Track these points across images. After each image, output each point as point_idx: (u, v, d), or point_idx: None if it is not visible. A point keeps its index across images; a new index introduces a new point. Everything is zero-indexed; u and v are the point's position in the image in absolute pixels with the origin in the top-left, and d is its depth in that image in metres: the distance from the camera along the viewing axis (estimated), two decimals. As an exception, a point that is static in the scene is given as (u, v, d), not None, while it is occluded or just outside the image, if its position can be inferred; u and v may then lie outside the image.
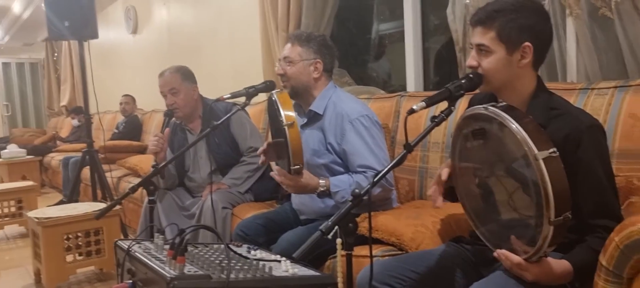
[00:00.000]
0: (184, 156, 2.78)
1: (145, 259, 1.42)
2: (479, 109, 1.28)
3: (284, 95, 1.83)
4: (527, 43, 1.36)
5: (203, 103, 2.81)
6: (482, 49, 1.39)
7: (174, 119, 2.73)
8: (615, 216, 1.31)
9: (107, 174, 3.78)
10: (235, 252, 1.56)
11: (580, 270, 1.26)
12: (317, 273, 1.47)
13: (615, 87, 1.69)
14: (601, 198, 1.32)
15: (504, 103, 1.28)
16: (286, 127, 1.69)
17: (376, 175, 1.34)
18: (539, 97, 1.41)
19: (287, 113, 1.72)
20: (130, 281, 1.47)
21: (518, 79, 1.41)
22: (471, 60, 1.42)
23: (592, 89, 1.75)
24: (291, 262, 1.53)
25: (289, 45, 2.11)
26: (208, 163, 2.69)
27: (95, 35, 3.54)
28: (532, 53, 1.38)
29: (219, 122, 2.17)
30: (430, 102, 1.38)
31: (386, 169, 1.34)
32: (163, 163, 2.14)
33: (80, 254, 2.95)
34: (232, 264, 1.39)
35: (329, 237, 1.25)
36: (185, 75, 2.75)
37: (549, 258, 1.25)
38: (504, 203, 1.29)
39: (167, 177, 2.72)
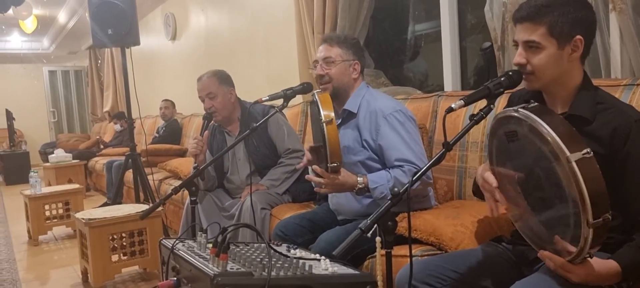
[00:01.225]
0: (223, 158, 2.83)
1: (189, 257, 1.46)
2: (510, 111, 1.25)
3: (325, 95, 1.84)
4: (578, 36, 1.33)
5: (241, 106, 2.86)
6: (531, 46, 1.35)
7: (213, 122, 2.79)
8: (666, 213, 1.27)
9: (149, 177, 3.89)
10: (275, 251, 1.59)
11: (629, 269, 1.23)
12: (357, 272, 1.48)
13: (663, 81, 1.63)
14: (650, 193, 1.28)
15: (536, 104, 1.25)
16: (325, 124, 1.70)
17: (415, 173, 1.34)
18: (585, 91, 1.38)
19: (327, 112, 1.74)
20: (175, 278, 1.52)
21: (567, 73, 1.38)
22: (519, 57, 1.38)
23: (638, 85, 1.69)
24: (330, 260, 1.54)
25: (325, 46, 2.12)
26: (247, 165, 2.74)
27: (137, 42, 3.64)
28: (583, 46, 1.35)
29: (258, 124, 2.20)
30: (469, 101, 1.37)
31: (425, 168, 1.33)
32: (204, 165, 2.19)
33: (124, 254, 3.04)
34: (273, 262, 1.41)
35: (369, 235, 1.26)
36: (222, 79, 2.80)
37: (595, 259, 1.22)
38: (544, 204, 1.27)
39: (207, 179, 2.78)
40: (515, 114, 1.23)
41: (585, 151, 1.11)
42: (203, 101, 2.77)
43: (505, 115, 1.28)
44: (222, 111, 2.76)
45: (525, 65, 1.37)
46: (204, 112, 2.75)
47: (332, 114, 1.75)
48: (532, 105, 1.24)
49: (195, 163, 2.63)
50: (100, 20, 3.52)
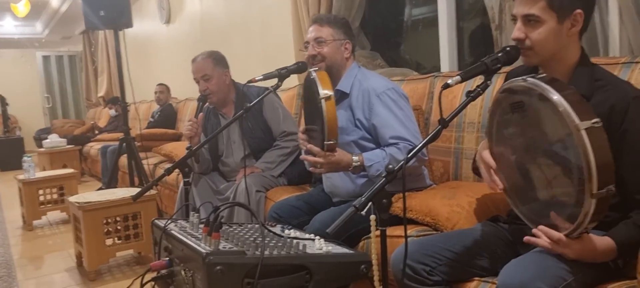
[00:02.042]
0: (217, 141, 2.81)
1: (181, 236, 1.45)
2: (518, 81, 1.24)
3: (323, 73, 1.83)
4: (578, 10, 1.31)
5: (235, 88, 2.83)
6: (530, 20, 1.33)
7: (207, 104, 2.76)
8: (664, 191, 1.26)
9: (144, 161, 3.86)
10: (269, 230, 1.57)
11: (624, 246, 1.22)
12: (351, 251, 1.47)
13: (662, 59, 1.61)
14: (648, 171, 1.27)
15: (544, 75, 1.24)
16: (323, 100, 1.68)
17: (410, 150, 1.32)
18: (583, 68, 1.36)
19: (325, 89, 1.71)
20: (167, 258, 1.50)
21: (565, 48, 1.36)
22: (517, 32, 1.35)
23: (637, 62, 1.67)
24: (325, 240, 1.53)
25: (315, 26, 2.10)
26: (241, 148, 2.72)
27: (129, 24, 3.60)
28: (583, 20, 1.32)
29: (252, 104, 2.18)
30: (465, 76, 1.35)
31: (421, 144, 1.31)
32: (197, 146, 2.16)
33: (119, 238, 3.03)
34: (266, 241, 1.40)
35: (363, 213, 1.24)
36: (217, 60, 2.77)
37: (591, 235, 1.21)
38: (544, 179, 1.25)
39: (201, 161, 2.76)
40: (524, 84, 1.21)
41: (594, 120, 1.10)
42: (198, 83, 2.74)
43: (512, 85, 1.26)
44: (217, 93, 2.73)
45: (524, 40, 1.35)
46: (199, 94, 2.72)
47: (331, 92, 1.73)
48: (541, 75, 1.23)
49: (189, 144, 2.60)
50: (92, 1, 3.47)
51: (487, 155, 1.39)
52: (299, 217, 2.12)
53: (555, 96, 1.14)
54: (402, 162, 1.26)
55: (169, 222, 1.59)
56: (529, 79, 1.21)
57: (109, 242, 3.01)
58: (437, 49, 2.90)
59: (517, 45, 1.37)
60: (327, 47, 2.07)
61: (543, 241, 1.23)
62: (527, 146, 1.28)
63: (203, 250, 1.28)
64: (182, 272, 1.39)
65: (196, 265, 1.29)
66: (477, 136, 2.15)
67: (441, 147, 2.29)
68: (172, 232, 1.52)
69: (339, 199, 2.15)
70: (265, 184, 2.64)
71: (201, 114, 2.62)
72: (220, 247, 1.32)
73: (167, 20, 6.40)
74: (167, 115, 5.58)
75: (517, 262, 1.26)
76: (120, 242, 3.04)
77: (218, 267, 1.24)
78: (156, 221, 1.67)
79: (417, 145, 1.35)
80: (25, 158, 4.40)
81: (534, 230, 1.26)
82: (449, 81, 1.31)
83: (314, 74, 1.79)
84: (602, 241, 1.22)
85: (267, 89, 2.48)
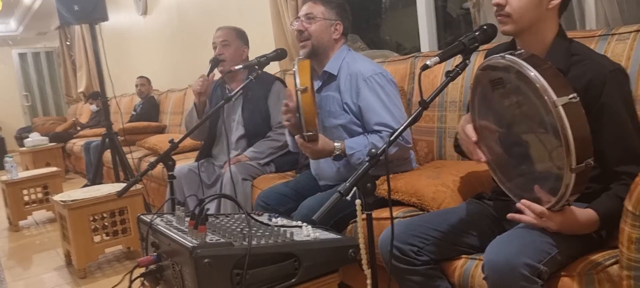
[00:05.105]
0: (217, 118, 2.82)
1: (167, 231, 1.44)
2: (496, 58, 1.24)
3: (304, 63, 1.81)
4: None
5: (249, 69, 2.83)
6: None
7: (219, 76, 2.75)
8: (642, 161, 1.27)
9: (128, 156, 3.82)
10: (256, 220, 1.57)
11: (606, 218, 1.24)
12: (339, 236, 1.47)
13: (637, 31, 1.62)
14: (626, 143, 1.29)
15: (522, 51, 1.24)
16: (299, 92, 1.67)
17: (392, 134, 1.32)
18: (560, 43, 1.37)
19: (302, 80, 1.71)
20: (155, 254, 1.49)
21: (543, 22, 1.36)
22: None
23: (613, 34, 1.69)
24: (312, 226, 1.53)
25: (309, 3, 2.09)
26: (239, 128, 2.73)
27: (105, 18, 3.53)
28: None
29: (232, 93, 2.16)
30: (444, 57, 1.35)
31: (402, 127, 1.32)
32: (179, 139, 2.14)
33: (107, 234, 3.00)
34: (253, 231, 1.40)
35: (348, 198, 1.24)
36: (240, 34, 2.81)
37: (573, 207, 1.23)
38: (525, 154, 1.27)
39: (200, 130, 2.74)
40: (502, 61, 1.22)
41: (571, 96, 1.11)
42: (215, 48, 2.75)
43: (490, 62, 1.26)
44: (229, 62, 2.70)
45: (503, 6, 1.35)
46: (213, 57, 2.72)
47: (308, 83, 1.72)
48: (519, 51, 1.24)
49: (196, 101, 2.66)
50: (65, -4, 3.39)
51: (469, 129, 1.40)
52: (286, 204, 2.12)
53: (532, 72, 1.14)
54: (383, 146, 1.27)
55: (155, 217, 1.58)
56: (507, 55, 1.22)
57: (97, 239, 2.99)
58: (417, 29, 2.90)
59: (495, 14, 1.37)
60: (315, 25, 2.05)
61: (526, 216, 1.25)
62: (508, 122, 1.29)
63: (190, 244, 1.28)
64: (171, 267, 1.38)
65: (184, 259, 1.29)
66: (459, 115, 2.16)
67: (424, 127, 2.30)
68: (159, 227, 1.51)
69: (325, 183, 2.15)
70: (251, 172, 2.64)
71: (213, 74, 2.63)
72: (207, 240, 1.32)
73: (144, 11, 6.30)
74: (149, 108, 5.52)
75: (501, 238, 1.28)
76: (108, 238, 3.02)
77: (206, 260, 1.23)
78: (142, 217, 1.66)
79: (403, 133, 1.35)
80: (6, 158, 4.33)
81: (518, 204, 1.27)
82: (428, 62, 1.31)
83: (295, 63, 1.78)
84: (585, 213, 1.24)
85: (278, 78, 2.53)
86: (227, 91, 2.81)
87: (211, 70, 2.63)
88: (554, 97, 1.11)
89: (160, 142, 4.18)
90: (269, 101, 2.75)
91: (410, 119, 1.33)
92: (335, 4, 2.09)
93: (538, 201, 1.24)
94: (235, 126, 2.80)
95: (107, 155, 4.11)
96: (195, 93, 2.65)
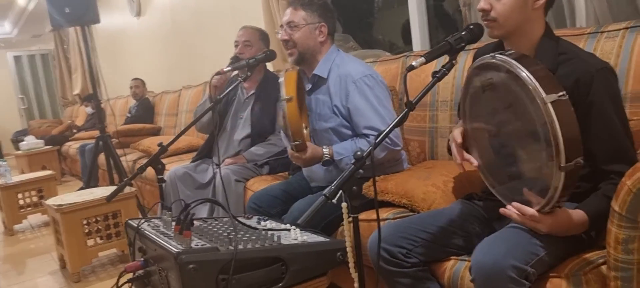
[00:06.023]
0: (227, 111, 2.81)
1: (153, 236, 1.43)
2: (487, 58, 1.23)
3: (291, 74, 1.80)
4: None
5: (265, 71, 2.84)
6: None
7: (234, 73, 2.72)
8: (630, 161, 1.25)
9: (122, 158, 3.81)
10: (243, 224, 1.56)
11: (596, 218, 1.23)
12: (327, 239, 1.46)
13: (626, 28, 1.61)
14: (615, 142, 1.28)
15: (513, 51, 1.23)
16: (285, 102, 1.67)
17: (378, 136, 1.31)
18: (547, 43, 1.36)
19: (288, 91, 1.71)
20: (142, 259, 1.48)
21: (529, 22, 1.35)
22: (483, 3, 1.35)
23: (602, 32, 1.68)
24: (301, 230, 1.52)
25: (290, 10, 2.06)
26: (246, 127, 2.73)
27: (96, 20, 3.52)
28: None
29: (222, 95, 2.13)
30: (430, 57, 1.34)
31: (387, 129, 1.31)
32: (168, 143, 2.13)
33: (100, 238, 2.99)
34: (240, 236, 1.39)
35: (334, 201, 1.23)
36: (263, 36, 2.81)
37: (563, 209, 1.22)
38: (515, 156, 1.26)
39: (207, 121, 2.73)
40: (493, 60, 1.21)
41: (561, 93, 1.11)
42: (236, 47, 2.75)
43: (481, 62, 1.26)
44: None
45: (488, 11, 1.34)
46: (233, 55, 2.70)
47: (294, 93, 1.72)
48: (509, 51, 1.23)
49: (211, 94, 2.63)
50: (56, -1, 3.38)
51: (456, 133, 1.39)
52: (277, 206, 2.12)
53: (524, 72, 1.14)
54: (369, 149, 1.26)
55: (142, 222, 1.57)
56: (497, 55, 1.21)
57: (90, 242, 2.97)
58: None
59: (481, 20, 1.36)
60: (298, 33, 2.03)
61: (517, 217, 1.24)
62: (499, 123, 1.28)
63: (175, 250, 1.26)
64: (157, 273, 1.37)
65: (169, 264, 1.28)
66: (451, 114, 2.15)
67: (416, 127, 2.29)
68: (145, 232, 1.50)
69: (317, 184, 2.14)
70: (245, 174, 2.63)
71: (230, 69, 2.61)
72: (193, 245, 1.31)
73: (138, 13, 6.28)
74: (144, 110, 5.50)
75: (489, 240, 1.27)
76: (102, 241, 3.00)
77: (191, 266, 1.22)
78: (130, 221, 1.64)
79: (389, 135, 1.34)
80: (0, 163, 4.32)
81: (508, 207, 1.26)
82: (414, 63, 1.30)
83: (281, 77, 1.78)
84: (574, 214, 1.23)
85: None
86: (241, 89, 2.82)
87: (233, 68, 2.54)
88: (543, 94, 1.10)
89: (153, 144, 4.16)
90: (278, 104, 2.74)
91: (395, 120, 1.32)
92: (316, 6, 2.06)
93: (528, 203, 1.23)
94: (242, 124, 2.80)
95: (102, 157, 4.10)
96: (214, 86, 2.62)
